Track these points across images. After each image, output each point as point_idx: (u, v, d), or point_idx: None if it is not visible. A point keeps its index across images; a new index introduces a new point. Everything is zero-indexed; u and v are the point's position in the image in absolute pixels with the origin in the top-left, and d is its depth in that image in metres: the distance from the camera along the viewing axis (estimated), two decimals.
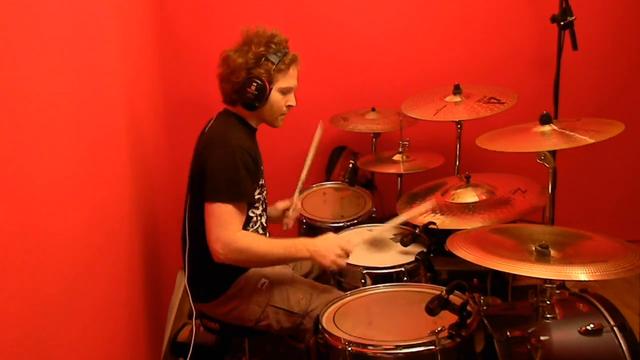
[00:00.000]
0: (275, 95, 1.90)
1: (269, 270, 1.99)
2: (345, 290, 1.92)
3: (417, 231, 2.06)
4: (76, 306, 1.33)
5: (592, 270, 1.35)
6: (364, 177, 2.91)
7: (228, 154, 1.81)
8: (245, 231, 1.87)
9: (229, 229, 1.79)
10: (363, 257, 2.04)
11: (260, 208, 1.98)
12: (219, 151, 1.83)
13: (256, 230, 1.97)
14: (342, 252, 1.84)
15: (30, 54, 1.15)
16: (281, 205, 2.20)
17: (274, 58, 1.86)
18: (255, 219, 1.95)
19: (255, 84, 1.84)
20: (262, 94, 1.86)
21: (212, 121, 1.98)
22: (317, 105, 3.00)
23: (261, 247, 1.82)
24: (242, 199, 1.83)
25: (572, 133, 1.80)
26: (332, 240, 1.89)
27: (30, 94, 1.15)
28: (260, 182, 1.96)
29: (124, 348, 1.77)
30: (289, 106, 1.95)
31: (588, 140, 1.73)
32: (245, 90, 1.85)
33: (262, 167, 2.00)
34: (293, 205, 2.18)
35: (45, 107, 1.22)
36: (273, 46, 1.87)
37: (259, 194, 1.94)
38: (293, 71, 1.92)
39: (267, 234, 2.06)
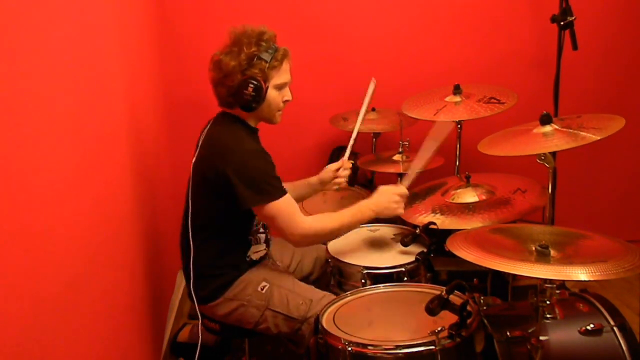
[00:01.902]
0: (271, 93, 1.89)
1: (269, 274, 1.99)
2: (345, 290, 1.92)
3: (417, 231, 2.06)
4: (76, 306, 1.33)
5: (592, 270, 1.35)
6: (364, 177, 2.91)
7: (252, 158, 1.84)
8: (311, 216, 1.94)
9: (297, 221, 1.87)
10: (363, 257, 2.04)
11: None
12: (242, 159, 1.83)
13: (257, 231, 1.98)
14: (400, 199, 1.99)
15: (30, 55, 1.15)
16: (332, 166, 2.26)
17: (266, 56, 1.85)
18: (256, 219, 1.96)
19: (251, 86, 1.83)
20: (259, 94, 1.85)
21: (210, 124, 1.96)
22: (317, 105, 3.01)
23: (332, 223, 1.93)
24: (285, 191, 1.88)
25: (575, 131, 1.79)
26: (388, 191, 2.00)
27: (30, 94, 1.15)
28: None
29: (124, 348, 1.77)
30: (285, 101, 1.95)
31: (592, 137, 1.72)
32: (242, 92, 1.84)
33: None
34: (343, 165, 2.25)
35: (45, 107, 1.22)
36: (263, 44, 1.85)
37: None
38: (286, 66, 1.91)
39: (267, 233, 2.07)
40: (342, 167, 2.25)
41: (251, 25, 1.88)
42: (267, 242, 2.07)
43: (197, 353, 1.92)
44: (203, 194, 1.88)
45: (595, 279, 1.34)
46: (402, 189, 2.01)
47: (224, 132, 1.92)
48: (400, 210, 2.00)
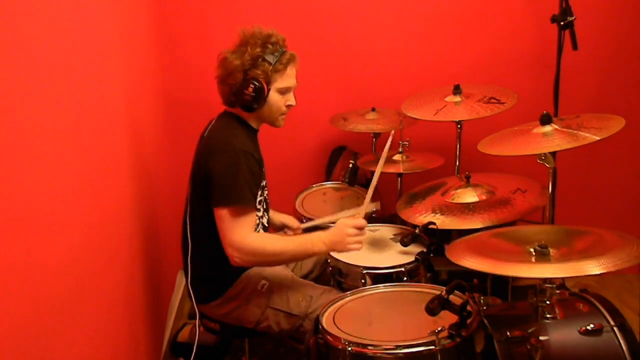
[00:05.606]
0: (273, 96, 1.89)
1: (269, 272, 1.99)
2: (345, 290, 1.92)
3: (417, 231, 2.06)
4: (76, 306, 1.33)
5: (591, 266, 1.35)
6: (364, 177, 2.90)
7: (233, 158, 1.81)
8: (257, 233, 1.87)
9: (241, 233, 1.80)
10: (363, 257, 2.03)
11: (262, 209, 1.97)
12: (224, 156, 1.83)
13: (257, 232, 1.97)
14: (355, 231, 1.85)
15: (30, 56, 1.15)
16: (291, 223, 2.21)
17: (270, 58, 1.85)
18: (256, 220, 1.96)
19: (252, 86, 1.83)
20: (260, 95, 1.85)
21: (212, 123, 1.97)
22: (317, 105, 3.00)
23: (276, 246, 1.84)
24: (250, 203, 1.84)
25: (575, 131, 1.79)
26: (341, 224, 1.89)
27: (31, 96, 1.15)
28: (263, 184, 1.96)
29: (124, 348, 1.77)
30: (288, 106, 1.94)
31: (592, 137, 1.72)
32: (242, 92, 1.84)
33: (264, 169, 2.00)
34: (295, 230, 2.19)
35: (45, 108, 1.22)
36: (270, 46, 1.86)
37: (260, 195, 1.95)
38: (291, 70, 1.91)
39: (267, 232, 2.07)
40: (294, 231, 2.20)
41: (261, 27, 1.89)
42: None
43: (193, 353, 1.92)
44: (200, 195, 1.88)
45: (598, 272, 1.33)
46: (359, 221, 1.87)
47: (220, 131, 1.92)
48: (355, 246, 1.83)
